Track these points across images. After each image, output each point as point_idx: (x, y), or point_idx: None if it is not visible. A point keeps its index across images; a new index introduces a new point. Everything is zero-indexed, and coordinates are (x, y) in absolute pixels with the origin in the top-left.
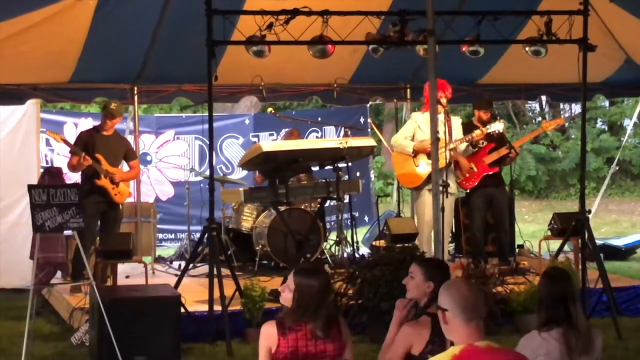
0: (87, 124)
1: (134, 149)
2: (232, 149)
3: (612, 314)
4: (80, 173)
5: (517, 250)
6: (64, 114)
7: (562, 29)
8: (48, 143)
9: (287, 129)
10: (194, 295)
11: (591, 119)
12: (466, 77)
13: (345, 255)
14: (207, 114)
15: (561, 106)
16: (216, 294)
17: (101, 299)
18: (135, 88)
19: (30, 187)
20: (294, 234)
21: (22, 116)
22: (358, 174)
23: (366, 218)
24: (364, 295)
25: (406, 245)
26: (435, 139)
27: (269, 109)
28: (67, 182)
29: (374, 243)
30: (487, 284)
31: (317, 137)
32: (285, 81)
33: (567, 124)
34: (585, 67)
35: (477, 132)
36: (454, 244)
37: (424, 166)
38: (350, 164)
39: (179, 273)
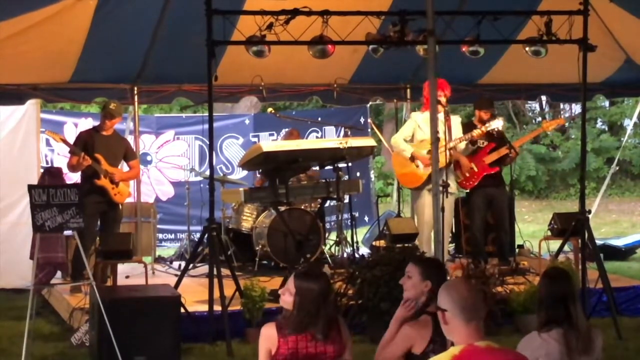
0: (87, 124)
1: (134, 149)
2: (232, 149)
3: (612, 314)
4: (79, 173)
5: (517, 250)
6: (64, 114)
7: (562, 29)
8: (48, 143)
9: (286, 129)
10: (194, 295)
11: (591, 119)
12: (466, 77)
13: (345, 255)
14: (207, 114)
15: (561, 106)
16: (216, 294)
17: (101, 299)
18: (135, 88)
19: (30, 187)
20: (294, 234)
21: (22, 116)
22: (358, 174)
23: (366, 218)
24: (364, 295)
25: (406, 245)
26: (435, 139)
27: (269, 109)
28: (67, 182)
29: (374, 243)
30: (487, 284)
31: (317, 137)
32: (285, 81)
33: (567, 124)
34: (585, 67)
35: (476, 131)
36: (454, 244)
37: (424, 166)
38: (350, 164)
39: (179, 273)
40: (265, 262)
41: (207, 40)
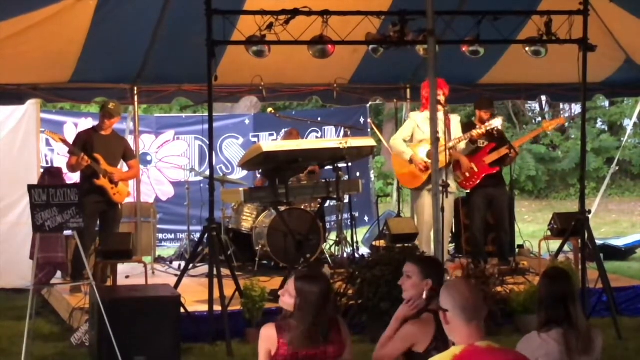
0: (87, 124)
1: (134, 149)
2: (232, 149)
3: (612, 314)
4: (79, 173)
5: (517, 250)
6: (64, 114)
7: (562, 29)
8: (48, 143)
9: (286, 129)
10: (194, 295)
11: (591, 119)
12: (466, 77)
13: (345, 255)
14: (207, 114)
15: (561, 106)
16: (216, 294)
17: (101, 299)
18: (135, 88)
19: (30, 187)
20: (294, 234)
21: (22, 116)
22: (358, 174)
23: (366, 218)
24: (364, 295)
25: (406, 245)
26: (435, 139)
27: (269, 109)
28: (67, 182)
29: (374, 243)
30: (487, 284)
31: (317, 137)
32: (285, 81)
33: (567, 124)
34: (585, 67)
35: (476, 131)
36: (454, 244)
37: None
38: (350, 164)
39: (178, 273)
40: (265, 262)
41: (207, 40)
